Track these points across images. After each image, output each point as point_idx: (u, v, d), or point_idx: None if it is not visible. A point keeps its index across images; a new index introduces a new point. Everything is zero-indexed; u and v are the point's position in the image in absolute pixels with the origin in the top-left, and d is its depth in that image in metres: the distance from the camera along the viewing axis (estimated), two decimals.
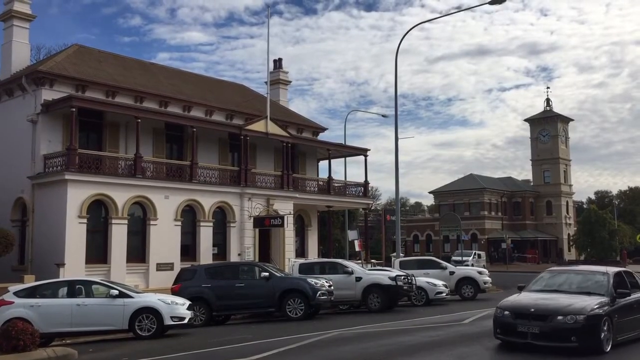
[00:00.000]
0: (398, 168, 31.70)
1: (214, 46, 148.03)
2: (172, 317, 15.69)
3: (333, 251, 36.78)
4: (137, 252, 25.91)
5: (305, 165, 36.15)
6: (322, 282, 19.67)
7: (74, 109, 24.03)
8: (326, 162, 36.18)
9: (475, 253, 59.07)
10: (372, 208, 60.80)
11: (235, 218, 29.28)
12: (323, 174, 36.90)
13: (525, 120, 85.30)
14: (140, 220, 26.24)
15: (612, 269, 13.14)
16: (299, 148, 35.12)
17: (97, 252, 24.67)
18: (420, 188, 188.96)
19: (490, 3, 27.96)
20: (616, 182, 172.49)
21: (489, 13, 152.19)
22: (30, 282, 18.41)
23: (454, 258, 46.59)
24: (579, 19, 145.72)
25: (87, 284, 16.40)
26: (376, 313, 20.44)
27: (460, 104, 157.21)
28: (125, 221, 25.21)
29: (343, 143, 38.76)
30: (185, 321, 16.00)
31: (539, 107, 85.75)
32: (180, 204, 27.06)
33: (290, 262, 27.66)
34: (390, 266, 28.74)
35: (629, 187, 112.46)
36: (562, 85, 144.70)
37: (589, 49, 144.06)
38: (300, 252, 34.24)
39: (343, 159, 39.66)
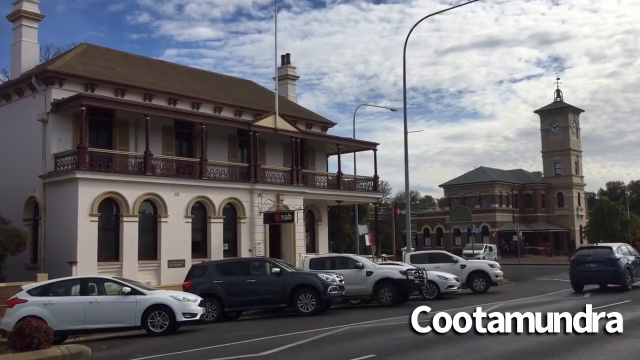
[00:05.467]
0: (408, 162, 31.68)
1: (222, 42, 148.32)
2: (184, 314, 15.81)
3: (343, 246, 36.78)
4: (149, 249, 26.04)
5: (315, 160, 36.15)
6: (333, 277, 19.71)
7: (83, 108, 24.14)
8: (335, 157, 36.15)
9: (486, 246, 58.78)
10: (382, 202, 60.75)
11: (246, 214, 29.33)
12: (332, 169, 36.96)
13: (536, 111, 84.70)
14: (151, 218, 26.37)
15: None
16: (308, 143, 35.11)
17: (109, 249, 24.81)
18: (430, 181, 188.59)
19: None
20: (629, 173, 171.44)
21: (499, 3, 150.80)
22: (43, 280, 18.54)
23: (465, 251, 46.33)
24: (591, 7, 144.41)
25: (100, 281, 16.54)
26: (387, 307, 20.44)
27: (471, 96, 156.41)
28: (136, 219, 25.34)
29: (352, 138, 38.71)
30: (197, 317, 16.12)
31: (550, 98, 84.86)
32: (190, 201, 27.15)
33: (301, 258, 27.70)
34: (401, 260, 28.73)
35: None
36: (574, 75, 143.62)
37: (601, 38, 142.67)
38: (311, 247, 34.27)
39: (352, 153, 39.64)
